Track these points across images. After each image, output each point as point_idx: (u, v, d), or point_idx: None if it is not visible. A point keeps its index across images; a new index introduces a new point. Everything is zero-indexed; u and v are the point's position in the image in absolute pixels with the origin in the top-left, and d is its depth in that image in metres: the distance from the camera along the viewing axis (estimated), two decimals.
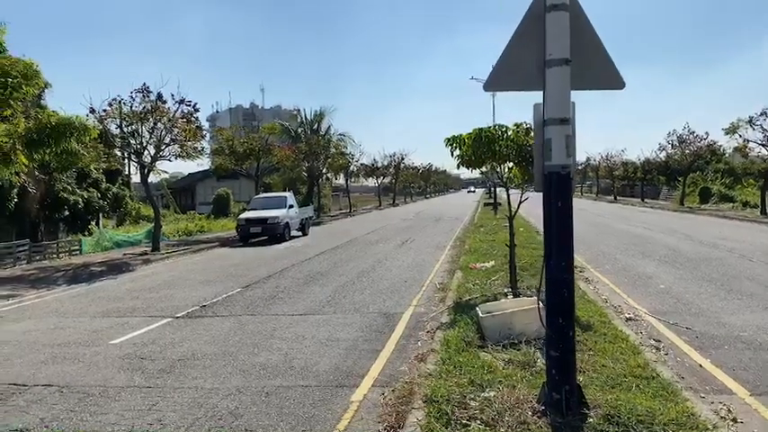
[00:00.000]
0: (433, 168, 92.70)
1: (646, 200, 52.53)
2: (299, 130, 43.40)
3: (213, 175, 43.95)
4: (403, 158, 63.90)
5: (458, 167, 9.56)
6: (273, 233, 23.87)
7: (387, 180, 65.53)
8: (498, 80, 4.58)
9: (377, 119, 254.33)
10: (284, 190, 36.51)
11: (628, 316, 8.25)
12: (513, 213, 9.79)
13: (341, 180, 54.66)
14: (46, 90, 21.92)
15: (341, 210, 53.66)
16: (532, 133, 8.40)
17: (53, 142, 14.62)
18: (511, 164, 9.14)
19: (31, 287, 14.11)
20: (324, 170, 43.24)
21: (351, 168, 50.09)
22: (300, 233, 26.66)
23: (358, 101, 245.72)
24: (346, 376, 6.14)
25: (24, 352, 7.82)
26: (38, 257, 20.66)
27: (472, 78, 51.79)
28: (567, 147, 4.23)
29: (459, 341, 6.44)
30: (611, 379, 5.16)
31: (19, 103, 12.97)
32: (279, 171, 40.86)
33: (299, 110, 46.45)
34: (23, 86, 12.48)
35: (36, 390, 6.15)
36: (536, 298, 7.52)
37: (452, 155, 9.05)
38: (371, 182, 63.69)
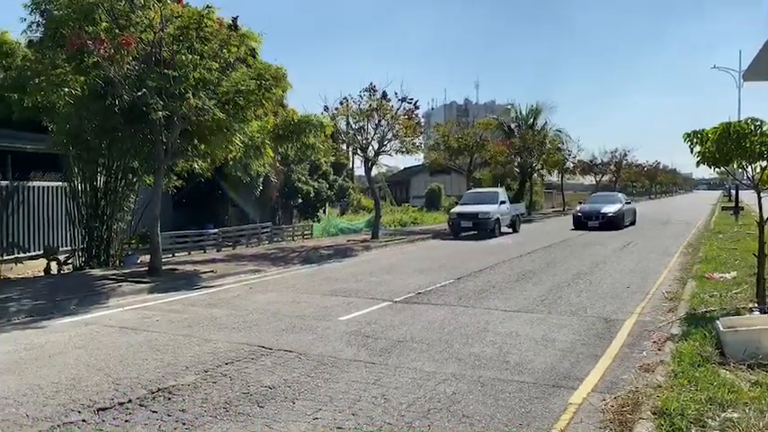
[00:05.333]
0: (661, 166, 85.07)
1: None
2: (513, 125, 42.89)
3: (426, 169, 45.65)
4: (625, 155, 59.64)
5: (697, 165, 8.63)
6: (484, 228, 24.01)
7: (606, 178, 61.65)
8: (762, 68, 4.04)
9: (597, 113, 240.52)
10: (494, 185, 36.46)
11: None
12: (765, 219, 8.55)
13: (554, 177, 52.82)
14: (288, 91, 24.94)
15: (553, 207, 51.93)
16: None
17: (295, 137, 16.51)
18: (765, 163, 8.01)
19: (272, 264, 16.03)
20: (537, 166, 42.21)
21: (566, 165, 48.14)
22: (511, 230, 26.38)
23: (576, 94, 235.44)
24: (563, 378, 5.96)
25: (269, 320, 8.95)
26: (276, 239, 23.49)
27: (714, 67, 46.08)
28: None
29: (695, 355, 5.84)
30: None
31: (270, 102, 14.80)
32: (489, 166, 40.88)
33: (512, 105, 45.90)
34: (273, 88, 14.19)
35: (279, 353, 7.00)
36: None
37: (692, 151, 8.22)
38: (588, 179, 60.49)
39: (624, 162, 60.65)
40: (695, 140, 8.16)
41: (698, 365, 5.57)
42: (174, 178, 17.17)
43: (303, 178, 27.96)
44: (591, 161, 55.18)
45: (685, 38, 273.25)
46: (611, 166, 58.79)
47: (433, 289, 11.49)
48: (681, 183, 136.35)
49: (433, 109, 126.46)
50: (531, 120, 42.92)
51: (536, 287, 11.51)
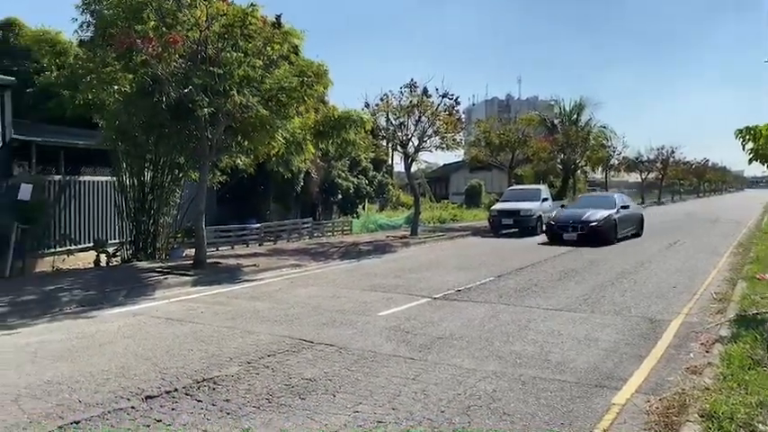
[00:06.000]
0: (710, 164, 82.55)
1: None
2: (557, 121, 42.19)
3: (467, 166, 45.32)
4: (673, 152, 58.01)
5: (749, 163, 8.35)
6: (525, 226, 23.68)
7: (652, 176, 60.08)
8: None
9: (642, 109, 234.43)
10: (536, 182, 35.92)
11: None
12: None
13: (598, 174, 51.78)
14: (329, 88, 25.13)
15: None
16: None
17: (335, 133, 16.64)
18: None
19: (313, 259, 16.20)
20: (581, 163, 41.41)
21: (611, 162, 47.13)
22: None
23: (620, 90, 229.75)
24: (606, 378, 5.85)
25: (310, 314, 9.05)
26: (316, 234, 23.71)
27: (767, 62, 44.23)
28: None
29: (745, 357, 5.66)
30: None
31: (311, 99, 14.94)
32: (531, 163, 40.37)
33: (556, 101, 45.13)
34: (315, 85, 14.31)
35: (320, 347, 7.08)
36: None
37: (743, 148, 7.99)
38: (633, 177, 59.12)
39: (671, 159, 59.02)
40: (747, 137, 7.92)
41: (748, 368, 5.40)
42: (218, 174, 17.53)
43: (343, 174, 28.12)
44: (636, 158, 53.89)
45: (733, 32, 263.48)
46: (658, 164, 57.29)
47: (473, 286, 11.42)
48: (731, 181, 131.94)
49: (474, 105, 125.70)
50: (575, 116, 42.14)
51: (578, 286, 11.33)
